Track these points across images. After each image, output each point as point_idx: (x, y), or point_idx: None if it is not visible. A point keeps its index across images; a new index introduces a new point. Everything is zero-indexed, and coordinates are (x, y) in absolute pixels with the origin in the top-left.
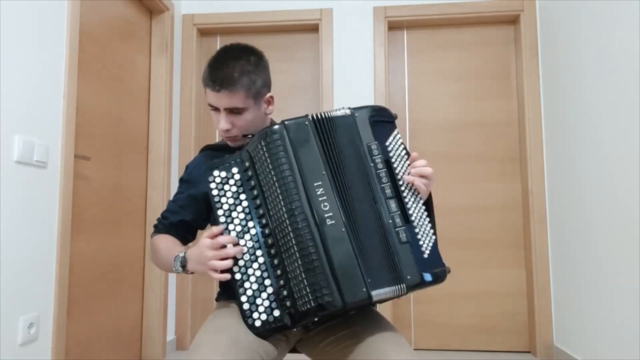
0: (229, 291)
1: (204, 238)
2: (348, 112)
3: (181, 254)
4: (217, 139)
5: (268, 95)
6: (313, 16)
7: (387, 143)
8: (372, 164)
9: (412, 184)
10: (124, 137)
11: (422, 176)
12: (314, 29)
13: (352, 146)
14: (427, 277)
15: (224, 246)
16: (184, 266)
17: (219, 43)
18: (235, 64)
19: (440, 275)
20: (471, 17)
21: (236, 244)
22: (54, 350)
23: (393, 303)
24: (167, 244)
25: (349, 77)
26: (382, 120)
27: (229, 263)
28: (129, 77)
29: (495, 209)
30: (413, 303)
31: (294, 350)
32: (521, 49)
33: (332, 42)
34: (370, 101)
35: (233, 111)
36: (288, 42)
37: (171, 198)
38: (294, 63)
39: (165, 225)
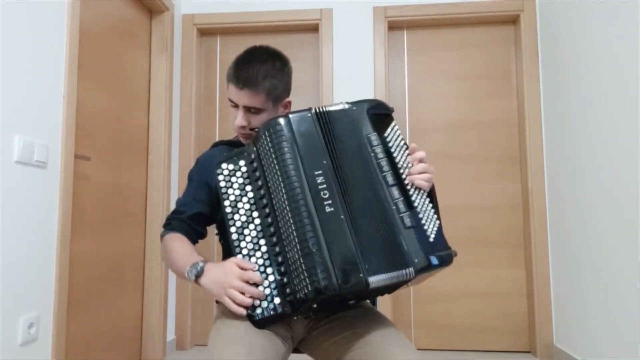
0: None
1: (232, 264)
2: (347, 106)
3: (200, 264)
4: (218, 139)
5: (286, 100)
6: (313, 16)
7: (386, 134)
8: (372, 154)
9: (413, 182)
10: (124, 137)
11: (421, 172)
12: (314, 29)
13: (353, 138)
14: (434, 260)
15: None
16: (197, 276)
17: (219, 43)
18: (261, 66)
19: (446, 258)
20: (471, 17)
21: (259, 285)
22: (54, 350)
23: (393, 303)
24: (184, 248)
25: (349, 77)
26: (379, 113)
27: (249, 301)
28: (129, 77)
29: (495, 208)
30: (413, 303)
31: (296, 350)
32: (521, 49)
33: (332, 42)
34: None
35: (251, 110)
36: (288, 42)
37: (180, 196)
38: (294, 63)
39: (180, 219)
